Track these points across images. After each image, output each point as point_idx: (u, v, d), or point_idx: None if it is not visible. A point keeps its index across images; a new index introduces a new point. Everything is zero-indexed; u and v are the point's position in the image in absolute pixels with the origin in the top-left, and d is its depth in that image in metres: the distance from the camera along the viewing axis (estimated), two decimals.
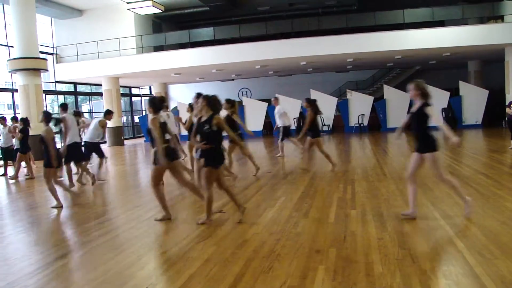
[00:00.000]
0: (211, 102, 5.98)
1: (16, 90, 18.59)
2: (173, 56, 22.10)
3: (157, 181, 6.35)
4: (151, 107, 6.16)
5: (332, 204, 6.60)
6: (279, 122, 13.35)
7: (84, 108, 30.20)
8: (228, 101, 9.45)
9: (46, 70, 18.82)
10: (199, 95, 6.68)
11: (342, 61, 23.13)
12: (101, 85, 24.28)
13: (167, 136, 6.23)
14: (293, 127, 22.38)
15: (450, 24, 21.16)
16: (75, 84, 25.42)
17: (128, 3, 19.74)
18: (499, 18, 21.00)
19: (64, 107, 10.13)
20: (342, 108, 23.30)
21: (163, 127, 6.14)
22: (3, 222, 7.03)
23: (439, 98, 21.70)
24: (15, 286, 4.15)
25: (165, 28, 26.56)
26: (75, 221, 6.92)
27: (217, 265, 4.37)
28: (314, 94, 23.40)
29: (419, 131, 5.50)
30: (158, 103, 6.20)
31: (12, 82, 20.06)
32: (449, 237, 4.80)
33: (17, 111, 18.65)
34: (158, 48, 23.89)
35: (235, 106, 9.16)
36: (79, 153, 9.87)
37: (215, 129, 5.78)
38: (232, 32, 23.30)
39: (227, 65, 22.14)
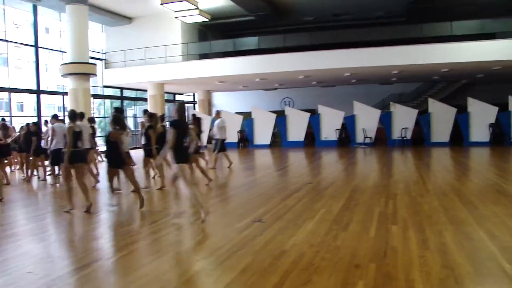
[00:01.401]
0: (112, 118, 7.81)
1: (66, 94, 19.25)
2: (218, 64, 22.41)
3: (67, 176, 7.80)
4: (69, 117, 7.91)
5: (373, 219, 6.50)
6: (217, 135, 13.64)
7: (130, 112, 30.89)
8: (147, 113, 9.82)
9: (95, 75, 19.45)
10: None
11: (387, 73, 22.86)
12: (146, 90, 24.80)
13: (79, 143, 7.71)
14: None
15: (501, 37, 20.59)
16: (121, 89, 26.07)
17: (176, 11, 20.10)
18: None
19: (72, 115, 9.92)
20: (385, 120, 22.99)
21: (76, 135, 7.63)
22: (44, 222, 7.26)
23: (486, 113, 21.20)
24: (57, 283, 4.28)
25: (210, 37, 26.92)
26: (115, 224, 7.06)
27: (255, 275, 4.37)
28: (357, 106, 23.23)
29: None
30: (73, 114, 7.87)
31: (63, 86, 20.82)
32: (496, 259, 4.64)
33: (65, 114, 19.23)
34: (203, 56, 24.25)
35: (153, 119, 9.24)
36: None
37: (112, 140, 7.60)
38: (277, 41, 23.40)
39: (271, 74, 22.26)
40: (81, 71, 18.30)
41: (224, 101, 33.49)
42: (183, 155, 6.56)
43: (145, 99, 25.92)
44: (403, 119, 22.45)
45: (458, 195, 8.27)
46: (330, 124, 23.42)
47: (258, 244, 5.40)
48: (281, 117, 24.08)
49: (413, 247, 5.09)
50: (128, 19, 24.34)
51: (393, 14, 24.98)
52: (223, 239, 5.65)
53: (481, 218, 6.43)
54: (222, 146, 13.76)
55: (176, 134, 6.42)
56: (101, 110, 27.42)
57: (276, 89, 31.40)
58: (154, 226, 6.53)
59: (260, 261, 4.76)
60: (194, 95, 33.48)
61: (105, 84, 24.16)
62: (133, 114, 33.38)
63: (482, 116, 21.30)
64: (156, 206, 8.45)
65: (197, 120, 11.35)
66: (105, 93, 25.30)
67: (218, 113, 14.59)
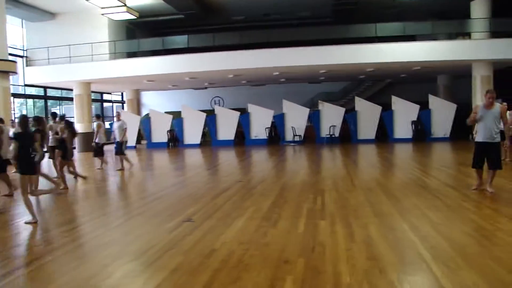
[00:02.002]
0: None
1: None
2: (146, 63, 22.01)
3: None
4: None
5: (302, 215, 6.60)
6: (117, 137, 13.62)
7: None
8: (34, 118, 9.85)
9: (15, 73, 18.48)
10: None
11: (315, 72, 23.34)
12: (72, 89, 23.94)
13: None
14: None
15: (420, 39, 21.59)
16: (45, 88, 24.99)
17: (102, 8, 19.54)
18: (467, 35, 21.56)
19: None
20: (314, 119, 23.46)
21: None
22: None
23: (409, 111, 22.12)
24: None
25: (139, 35, 26.38)
26: (38, 229, 6.76)
27: (185, 274, 4.32)
28: (286, 104, 23.55)
29: None
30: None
31: None
32: (416, 248, 4.84)
33: None
34: (132, 55, 23.72)
35: (40, 123, 9.29)
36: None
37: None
38: (206, 40, 23.31)
39: (200, 73, 22.15)
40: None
41: (153, 101, 33.00)
42: (26, 166, 6.79)
43: (71, 99, 25.03)
44: (331, 117, 23.01)
45: (383, 189, 8.57)
46: (260, 122, 23.60)
47: (188, 243, 5.35)
48: (211, 116, 24.01)
49: (340, 240, 5.22)
50: (50, 14, 23.33)
51: (320, 15, 25.54)
52: (153, 240, 5.55)
53: (403, 210, 6.70)
54: (121, 149, 13.57)
55: (18, 146, 6.86)
56: (23, 110, 26.21)
57: (206, 88, 31.28)
58: (76, 230, 6.31)
59: (190, 261, 4.71)
60: (122, 95, 32.71)
61: (27, 83, 23.04)
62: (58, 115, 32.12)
63: (405, 113, 22.22)
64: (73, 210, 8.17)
65: (68, 125, 10.96)
66: (27, 92, 24.19)
67: (118, 114, 14.38)
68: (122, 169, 13.51)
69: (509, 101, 13.03)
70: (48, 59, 22.41)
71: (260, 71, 22.32)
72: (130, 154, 20.44)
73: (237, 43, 22.25)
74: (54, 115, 12.97)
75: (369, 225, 5.86)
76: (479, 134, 7.83)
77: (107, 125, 25.15)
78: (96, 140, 13.89)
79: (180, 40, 23.69)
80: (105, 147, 14.34)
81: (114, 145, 13.97)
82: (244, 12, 25.18)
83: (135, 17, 21.40)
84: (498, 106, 7.72)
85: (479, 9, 21.38)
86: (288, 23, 25.93)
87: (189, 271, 4.40)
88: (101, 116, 15.59)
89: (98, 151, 13.98)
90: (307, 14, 25.63)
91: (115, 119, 14.38)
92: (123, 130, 13.65)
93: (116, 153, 13.87)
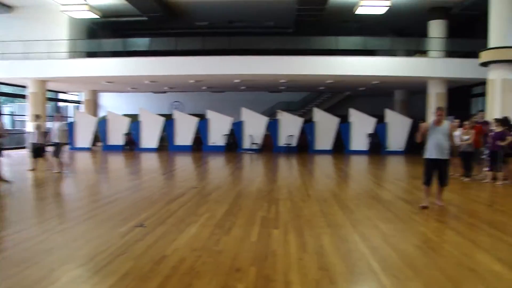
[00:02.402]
0: None
1: None
2: (107, 64, 21.66)
3: None
4: None
5: (256, 223, 6.61)
6: (56, 139, 13.23)
7: (6, 110, 28.87)
8: None
9: None
10: None
11: (275, 82, 23.52)
12: (26, 86, 23.27)
13: None
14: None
15: (380, 54, 22.09)
16: None
17: (63, 5, 19.10)
18: (424, 52, 22.26)
19: None
20: (272, 128, 23.59)
21: None
22: None
23: (366, 124, 22.54)
24: None
25: (100, 35, 25.91)
26: None
27: (134, 280, 4.25)
28: (246, 112, 23.59)
29: None
30: None
31: None
32: (367, 259, 4.92)
33: None
34: (91, 54, 23.27)
35: None
36: None
37: None
38: (169, 44, 23.16)
39: (161, 77, 21.98)
40: None
41: (111, 102, 32.47)
42: None
43: (24, 96, 24.32)
44: (289, 126, 23.19)
45: (337, 200, 8.67)
46: (218, 129, 23.56)
47: (139, 249, 5.26)
48: (169, 121, 23.81)
49: (292, 250, 5.24)
50: (7, 7, 22.57)
51: (283, 25, 25.77)
52: (104, 244, 5.43)
53: (356, 221, 6.79)
54: (58, 150, 13.14)
55: None
56: None
57: (165, 92, 31.04)
58: (20, 234, 6.12)
59: (141, 266, 4.64)
60: (79, 95, 32.02)
61: None
62: (10, 112, 31.26)
63: (362, 126, 22.62)
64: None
65: None
66: None
67: (59, 115, 14.02)
68: (59, 172, 13.06)
69: (461, 118, 13.45)
70: (2, 53, 21.70)
71: (221, 78, 22.32)
72: (84, 156, 20.07)
73: (199, 49, 22.22)
74: None
75: (322, 235, 5.92)
76: (429, 151, 7.91)
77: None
78: (35, 141, 13.47)
79: (142, 42, 23.48)
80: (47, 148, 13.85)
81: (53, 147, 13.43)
82: (208, 18, 25.15)
83: (98, 17, 21.04)
84: (447, 123, 7.92)
85: (436, 29, 22.13)
86: (251, 31, 26.04)
87: (139, 277, 4.33)
88: (41, 116, 15.09)
89: (38, 152, 13.55)
90: (271, 23, 25.83)
91: (55, 119, 13.86)
92: (63, 132, 13.26)
93: (54, 155, 13.26)
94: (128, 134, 24.06)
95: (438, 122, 7.82)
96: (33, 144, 13.57)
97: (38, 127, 13.60)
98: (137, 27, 26.00)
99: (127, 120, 24.12)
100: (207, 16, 24.64)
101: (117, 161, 18.52)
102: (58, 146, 13.13)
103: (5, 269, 4.62)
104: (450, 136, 7.96)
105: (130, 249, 5.25)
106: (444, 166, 7.89)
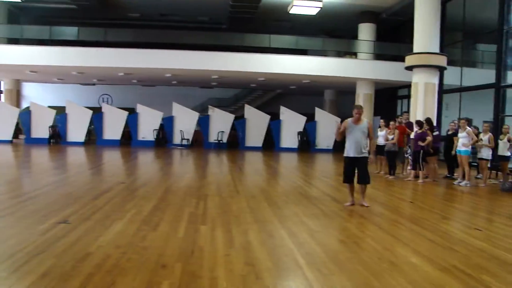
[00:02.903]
0: None
1: None
2: (30, 52, 20.58)
3: None
4: None
5: (183, 219, 6.56)
6: None
7: None
8: None
9: None
10: None
11: (207, 77, 23.41)
12: None
13: None
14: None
15: (312, 54, 22.50)
16: None
17: None
18: (354, 54, 22.93)
19: None
20: (203, 123, 23.50)
21: None
22: None
23: (296, 122, 22.92)
24: None
25: (23, 20, 24.67)
26: None
27: (54, 279, 4.07)
28: (176, 107, 23.36)
29: None
30: None
31: None
32: (292, 254, 5.00)
33: None
34: (13, 41, 22.09)
35: None
36: None
37: None
38: (98, 35, 22.41)
39: (89, 68, 21.25)
40: None
41: (36, 93, 31.09)
42: None
43: None
44: (220, 123, 23.21)
45: (265, 196, 8.77)
46: (148, 124, 23.19)
47: (61, 246, 5.06)
48: (97, 114, 23.15)
49: (219, 246, 5.25)
50: None
51: (217, 21, 25.69)
52: (22, 242, 5.17)
53: (283, 217, 6.89)
54: None
55: None
56: None
57: (94, 84, 30.14)
58: None
59: (62, 265, 4.46)
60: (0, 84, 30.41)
61: None
62: None
63: (292, 124, 22.98)
64: None
65: None
66: None
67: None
68: None
69: (387, 118, 13.95)
70: None
71: (152, 72, 21.94)
72: (4, 149, 19.15)
73: (130, 41, 21.72)
74: None
75: (249, 231, 5.96)
76: (347, 149, 7.90)
77: None
78: None
79: (70, 31, 22.59)
80: None
81: None
82: (141, 10, 24.60)
83: (20, 1, 19.97)
84: (365, 121, 7.91)
85: (365, 32, 22.83)
86: (184, 25, 25.75)
87: (60, 276, 4.16)
88: None
89: None
90: (205, 18, 25.67)
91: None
92: None
93: None
94: (53, 127, 23.17)
95: (356, 121, 7.83)
96: None
97: None
98: (65, 14, 24.97)
99: (53, 112, 23.23)
100: (139, 7, 24.10)
101: (40, 155, 17.80)
102: None
103: None
104: (369, 135, 7.89)
105: (51, 247, 5.04)
106: (363, 164, 7.87)
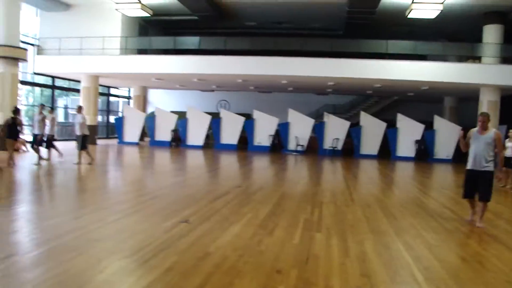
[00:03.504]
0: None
1: None
2: (156, 61, 22.08)
3: None
4: None
5: (298, 225, 6.61)
6: (78, 131, 13.37)
7: (60, 103, 29.86)
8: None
9: (25, 60, 18.65)
10: None
11: (323, 84, 23.38)
12: (79, 81, 24.02)
13: None
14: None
15: (431, 59, 21.61)
16: (53, 77, 25.05)
17: (117, 3, 19.62)
18: (477, 58, 21.61)
19: None
20: (318, 130, 23.47)
21: None
22: None
23: (413, 130, 22.12)
24: None
25: (151, 32, 26.48)
26: (35, 218, 6.80)
27: (177, 275, 4.33)
28: (292, 114, 23.57)
29: None
30: None
31: None
32: (410, 269, 4.85)
33: None
34: (142, 51, 23.82)
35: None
36: None
37: None
38: (218, 43, 23.36)
39: (209, 75, 22.23)
40: (10, 55, 17.48)
41: (159, 99, 33.11)
42: None
43: (78, 90, 25.12)
44: (336, 129, 23.03)
45: (381, 206, 8.58)
46: (264, 129, 23.63)
47: (183, 244, 5.36)
48: (216, 119, 24.05)
49: (334, 254, 5.22)
50: (65, 5, 23.39)
51: (333, 27, 25.59)
52: (149, 238, 5.56)
53: (400, 229, 6.70)
54: (83, 143, 13.40)
55: None
56: (29, 98, 26.36)
57: (213, 91, 31.37)
58: (76, 221, 6.34)
59: (184, 262, 4.72)
60: (129, 90, 32.77)
61: (36, 71, 23.13)
62: (64, 105, 32.32)
63: (409, 132, 22.20)
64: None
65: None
66: (35, 81, 24.31)
67: (79, 108, 14.17)
68: (92, 160, 13.82)
69: None
70: (59, 49, 22.48)
71: (269, 78, 22.38)
72: (132, 150, 20.55)
73: (247, 49, 22.34)
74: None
75: (365, 241, 5.87)
76: (469, 161, 7.26)
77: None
78: (47, 132, 13.91)
79: (192, 41, 23.80)
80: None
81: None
82: (257, 19, 25.25)
83: (149, 15, 21.48)
84: (493, 131, 7.14)
85: (491, 34, 21.40)
86: (299, 32, 25.97)
87: (182, 273, 4.41)
88: (46, 108, 15.43)
89: (49, 143, 14.04)
90: (319, 25, 25.69)
91: (75, 112, 14.14)
92: (82, 124, 13.43)
93: (82, 147, 13.46)
94: (175, 131, 24.48)
95: (481, 130, 7.17)
96: (35, 135, 13.92)
97: (42, 119, 13.86)
98: (187, 25, 26.40)
99: (175, 117, 24.53)
100: (255, 16, 24.74)
101: (163, 157, 18.87)
102: (80, 139, 13.39)
103: (54, 257, 4.80)
104: (498, 147, 7.14)
105: (174, 244, 5.36)
106: (485, 179, 7.09)
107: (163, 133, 24.34)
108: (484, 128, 7.16)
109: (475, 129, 7.33)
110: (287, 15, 24.18)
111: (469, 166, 7.26)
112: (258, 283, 4.22)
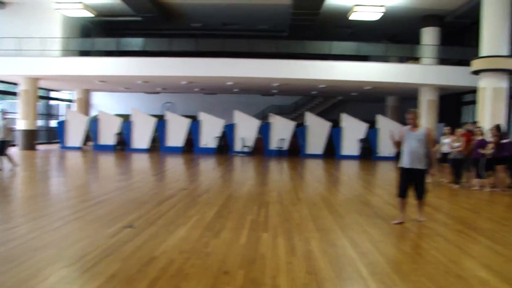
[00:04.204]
0: None
1: None
2: (99, 63, 21.57)
3: None
4: None
5: (245, 226, 6.61)
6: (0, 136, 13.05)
7: None
8: None
9: None
10: None
11: (268, 85, 23.55)
12: (16, 84, 23.10)
13: None
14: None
15: (373, 60, 22.18)
16: None
17: (57, 2, 19.01)
18: (417, 59, 22.41)
19: None
20: (264, 131, 23.59)
21: None
22: None
23: (357, 129, 22.60)
24: None
25: (93, 33, 25.81)
26: None
27: (122, 282, 4.23)
28: (238, 115, 23.59)
29: None
30: None
31: None
32: (355, 264, 4.95)
33: None
34: (84, 53, 23.17)
35: None
36: None
37: None
38: (162, 45, 23.11)
39: (154, 77, 21.93)
40: None
41: (103, 102, 32.41)
42: None
43: (15, 94, 24.16)
44: (281, 130, 23.21)
45: (326, 205, 8.70)
46: (210, 131, 23.52)
47: (127, 250, 5.24)
48: (161, 122, 23.76)
49: (281, 253, 5.25)
50: (1, 3, 22.44)
51: (277, 29, 25.82)
52: (92, 245, 5.41)
53: (345, 226, 6.81)
54: (2, 149, 12.93)
55: None
56: None
57: (158, 93, 30.98)
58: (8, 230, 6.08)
59: (129, 268, 4.62)
60: (72, 93, 31.81)
61: None
62: (0, 109, 31.00)
63: (353, 131, 22.66)
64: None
65: None
66: None
67: (3, 112, 13.65)
68: (15, 166, 13.28)
69: (452, 125, 13.55)
70: None
71: (214, 80, 22.31)
72: (74, 155, 19.99)
73: (193, 50, 22.20)
74: None
75: (311, 239, 5.94)
76: (403, 159, 7.21)
77: None
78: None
79: (136, 42, 23.41)
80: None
81: None
82: (203, 20, 25.15)
83: (92, 15, 20.95)
84: (423, 128, 7.22)
85: (429, 36, 22.26)
86: (245, 34, 26.07)
87: (127, 279, 4.31)
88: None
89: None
90: (265, 27, 25.88)
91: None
92: (7, 129, 13.01)
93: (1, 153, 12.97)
94: (119, 134, 23.99)
95: (412, 128, 7.19)
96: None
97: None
98: (131, 27, 25.97)
99: (119, 120, 24.05)
100: (201, 17, 24.64)
101: (107, 161, 18.45)
102: (2, 144, 12.93)
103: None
104: (429, 143, 7.18)
105: (118, 250, 5.24)
106: (419, 177, 7.18)
107: (107, 136, 23.80)
108: (415, 125, 7.19)
109: (406, 127, 7.31)
110: (233, 17, 24.23)
111: (403, 164, 7.21)
112: (206, 285, 4.19)
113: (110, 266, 4.67)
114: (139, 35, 25.01)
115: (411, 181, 7.21)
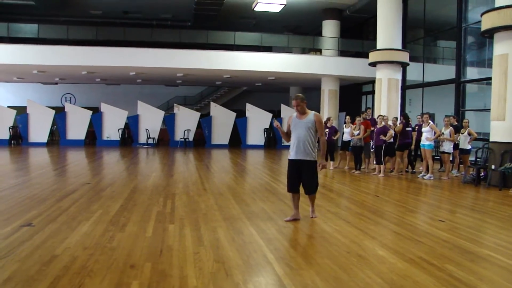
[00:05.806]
0: None
1: None
2: None
3: None
4: None
5: (151, 218, 6.52)
6: None
7: None
8: None
9: None
10: None
11: (172, 75, 23.24)
12: None
13: None
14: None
15: (276, 51, 22.61)
16: None
17: None
18: (318, 51, 23.15)
19: None
20: (169, 122, 23.35)
21: None
22: None
23: (262, 119, 23.00)
24: None
25: None
26: None
27: (19, 284, 3.98)
28: (141, 106, 23.13)
29: None
30: None
31: None
32: (262, 250, 5.04)
33: None
34: None
35: None
36: None
37: None
38: (59, 32, 21.89)
39: (51, 67, 20.75)
40: None
41: None
42: None
43: None
44: (186, 121, 23.11)
45: (233, 194, 8.79)
46: (113, 123, 22.90)
47: (25, 250, 4.95)
48: (60, 114, 22.71)
49: (188, 244, 5.24)
50: None
51: (181, 19, 25.50)
52: None
53: (251, 214, 6.92)
54: None
55: None
56: None
57: (56, 83, 29.52)
58: None
59: (27, 269, 4.37)
60: None
61: None
62: None
63: (258, 121, 23.04)
64: None
65: None
66: None
67: None
68: None
69: (352, 114, 14.19)
70: None
71: (116, 70, 21.63)
72: None
73: (92, 39, 21.34)
74: None
75: (218, 228, 5.97)
76: (291, 150, 6.46)
77: None
78: None
79: (29, 29, 21.97)
80: None
81: None
82: (103, 7, 24.18)
83: None
84: (312, 114, 6.38)
85: (330, 29, 23.07)
86: (147, 23, 25.48)
87: (25, 280, 4.07)
88: None
89: None
90: (168, 16, 25.45)
91: None
92: None
93: None
94: (14, 128, 22.61)
95: (299, 115, 6.43)
96: None
97: None
98: (23, 11, 24.29)
99: (13, 112, 22.66)
100: (101, 4, 23.68)
101: (1, 157, 17.35)
102: None
103: None
104: (319, 130, 6.42)
105: (14, 251, 4.92)
106: (309, 170, 6.40)
107: (1, 131, 22.35)
108: (302, 112, 6.41)
109: (293, 115, 6.56)
110: (134, 5, 23.52)
111: (291, 156, 6.46)
112: (111, 281, 4.07)
113: (5, 268, 4.37)
114: (33, 21, 23.52)
115: (301, 174, 6.46)
